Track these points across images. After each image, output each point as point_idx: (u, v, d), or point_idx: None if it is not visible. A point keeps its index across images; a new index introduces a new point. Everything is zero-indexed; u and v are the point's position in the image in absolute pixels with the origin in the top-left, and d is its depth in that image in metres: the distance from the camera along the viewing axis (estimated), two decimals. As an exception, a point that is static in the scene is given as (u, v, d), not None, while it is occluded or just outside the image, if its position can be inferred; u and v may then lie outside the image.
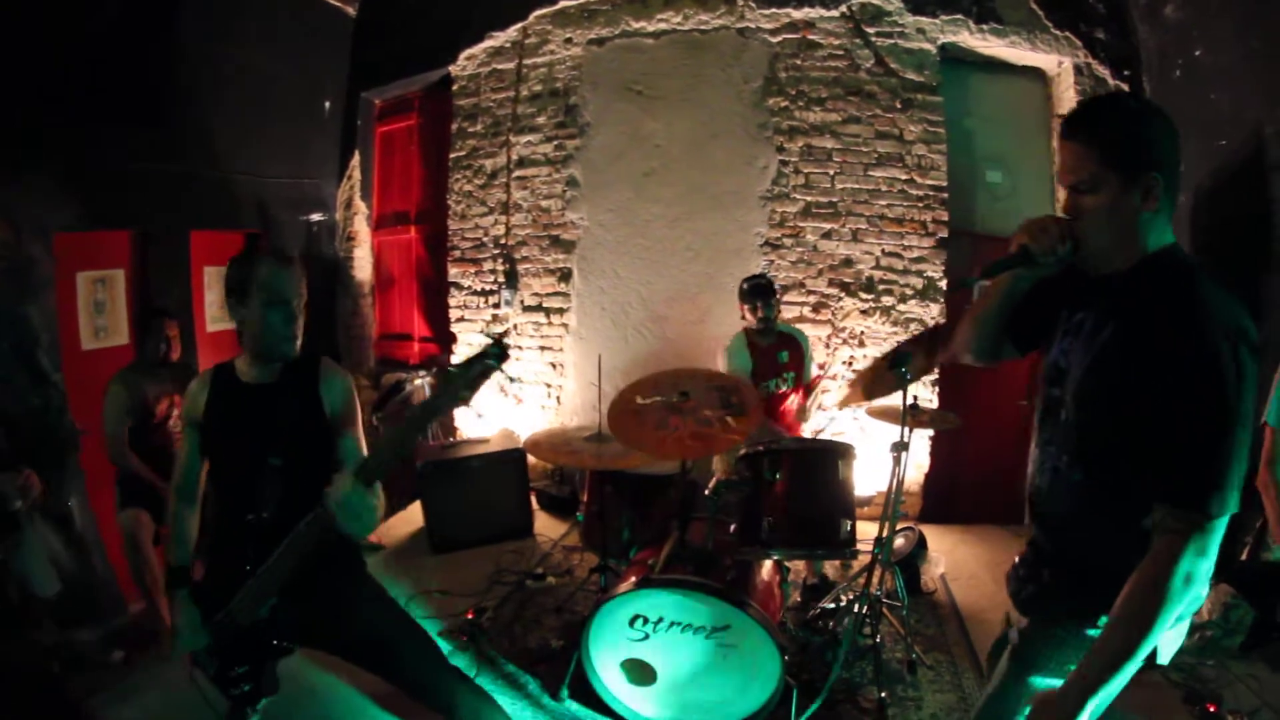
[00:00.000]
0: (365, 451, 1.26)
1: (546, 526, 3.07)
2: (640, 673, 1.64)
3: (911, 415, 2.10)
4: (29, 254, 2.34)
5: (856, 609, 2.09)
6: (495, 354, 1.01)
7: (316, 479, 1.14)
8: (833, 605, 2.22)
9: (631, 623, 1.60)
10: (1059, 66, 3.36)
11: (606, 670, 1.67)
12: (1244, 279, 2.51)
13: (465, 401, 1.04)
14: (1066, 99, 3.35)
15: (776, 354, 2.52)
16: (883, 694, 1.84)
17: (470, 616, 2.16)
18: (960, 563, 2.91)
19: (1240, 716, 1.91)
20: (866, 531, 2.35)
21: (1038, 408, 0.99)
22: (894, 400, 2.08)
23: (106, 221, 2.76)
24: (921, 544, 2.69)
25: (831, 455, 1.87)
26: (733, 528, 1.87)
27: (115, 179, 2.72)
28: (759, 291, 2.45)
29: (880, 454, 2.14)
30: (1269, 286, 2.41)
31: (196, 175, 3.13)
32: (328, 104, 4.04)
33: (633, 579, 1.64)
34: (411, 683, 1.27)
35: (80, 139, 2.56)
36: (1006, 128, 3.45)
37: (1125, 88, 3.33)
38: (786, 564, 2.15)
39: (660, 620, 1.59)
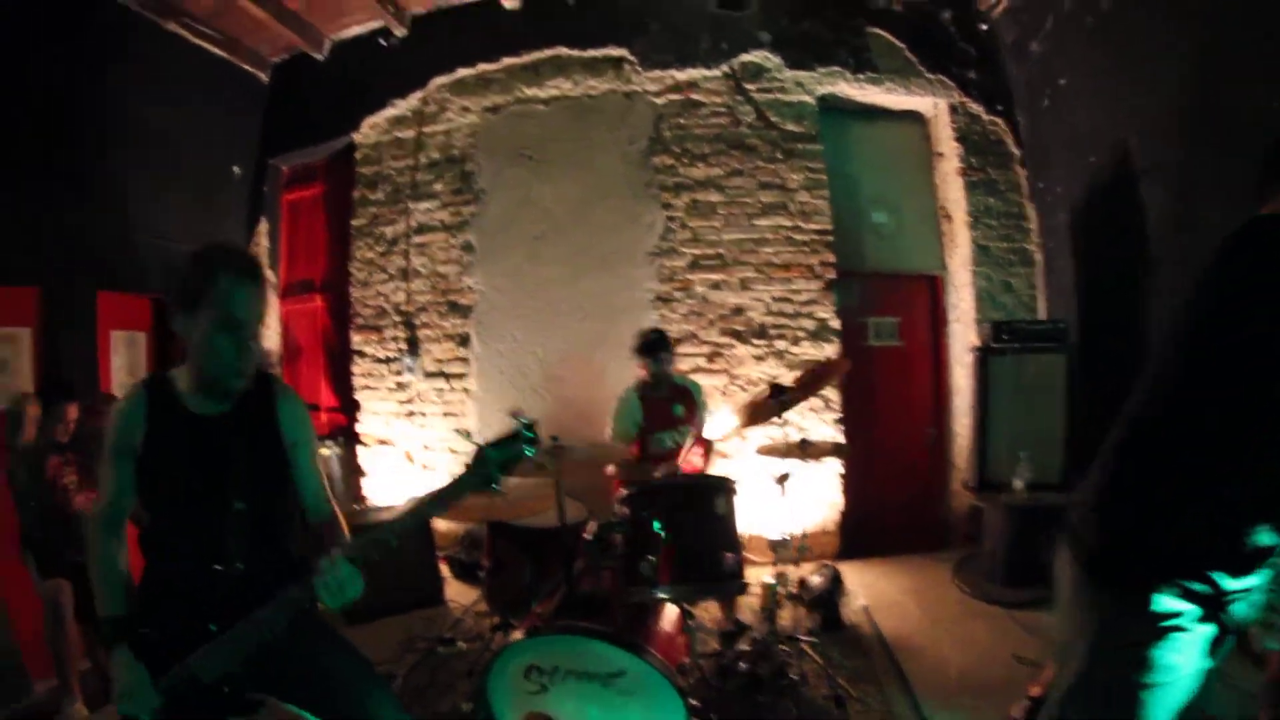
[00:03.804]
0: (323, 483, 1.23)
1: (459, 594, 3.14)
2: None
3: (802, 449, 2.28)
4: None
5: (774, 648, 2.16)
6: (529, 438, 0.99)
7: (282, 521, 1.11)
8: (748, 647, 2.29)
9: (527, 674, 1.63)
10: (935, 108, 3.76)
11: (514, 725, 1.69)
12: (1125, 282, 2.81)
13: (496, 484, 1.01)
14: (944, 137, 3.74)
15: (670, 407, 2.65)
16: (809, 731, 1.89)
17: (382, 684, 2.23)
18: (883, 594, 3.05)
19: None
20: (780, 574, 2.45)
21: None
22: (780, 435, 2.26)
23: (12, 277, 2.82)
24: (837, 580, 2.82)
25: (709, 490, 1.95)
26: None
27: (23, 234, 2.80)
28: (649, 347, 2.61)
29: (791, 496, 2.27)
30: (1148, 285, 2.69)
31: (105, 235, 3.22)
32: (237, 169, 4.25)
33: (525, 629, 1.69)
34: None
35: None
36: (889, 170, 3.81)
37: (999, 122, 3.74)
38: (691, 609, 2.20)
39: (555, 669, 1.62)
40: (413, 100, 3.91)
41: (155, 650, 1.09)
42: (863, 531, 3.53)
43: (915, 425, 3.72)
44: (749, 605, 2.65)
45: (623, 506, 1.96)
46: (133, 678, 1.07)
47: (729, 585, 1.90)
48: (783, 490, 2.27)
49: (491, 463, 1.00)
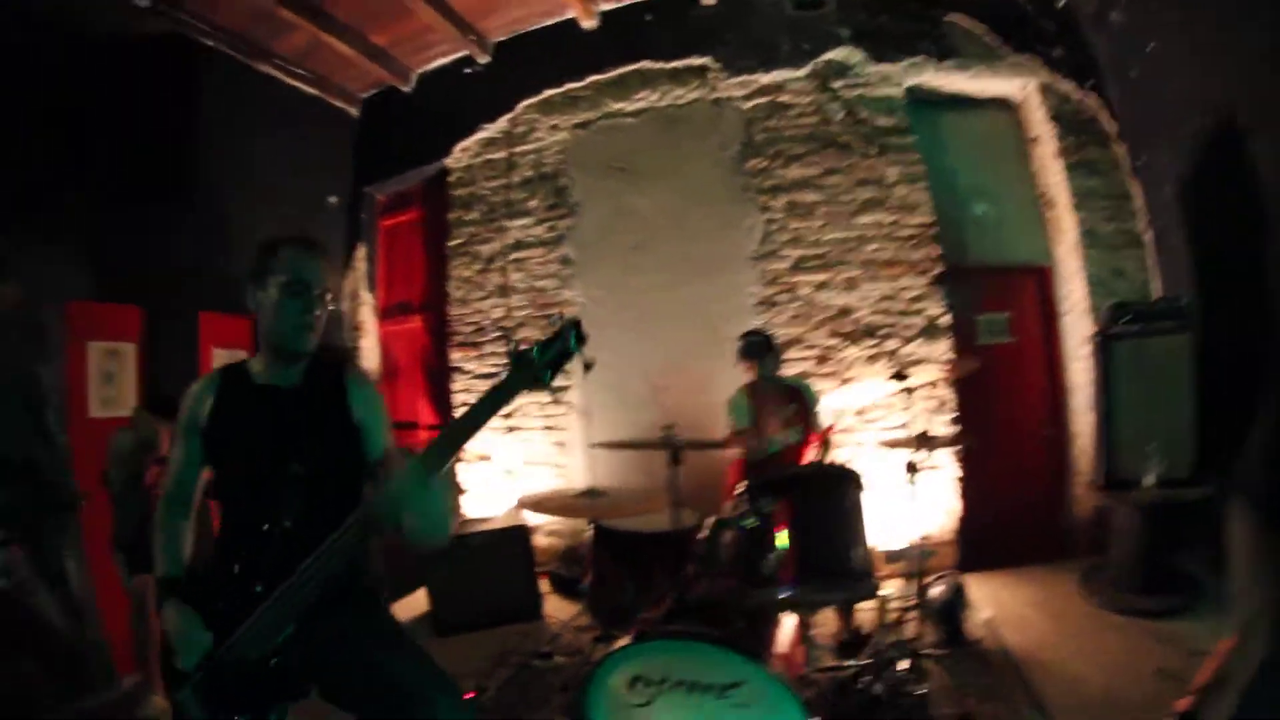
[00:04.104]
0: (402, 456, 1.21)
1: (558, 609, 3.11)
2: None
3: (924, 442, 2.23)
4: (41, 318, 2.59)
5: (895, 663, 2.05)
6: (576, 336, 0.99)
7: (345, 491, 1.10)
8: (870, 660, 2.14)
9: (632, 686, 1.48)
10: (1024, 90, 3.60)
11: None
12: (1244, 249, 2.60)
13: (544, 385, 0.99)
14: (1037, 120, 3.58)
15: (780, 409, 2.64)
16: (941, 755, 1.76)
17: (471, 696, 2.15)
18: (1006, 606, 2.90)
19: None
20: (901, 585, 2.40)
21: None
22: (902, 432, 2.22)
23: (119, 295, 3.00)
24: (959, 591, 2.70)
25: (834, 481, 1.85)
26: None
27: (130, 256, 2.99)
28: (751, 349, 2.63)
29: (914, 494, 2.22)
30: (1270, 250, 2.45)
31: (208, 260, 3.40)
32: (333, 199, 4.47)
33: (630, 637, 1.59)
34: None
35: (99, 214, 2.89)
36: (984, 160, 3.68)
37: (1091, 99, 3.55)
38: (809, 620, 2.13)
39: (663, 680, 1.46)
40: (501, 123, 4.06)
41: (207, 601, 1.13)
42: (982, 540, 3.37)
43: (1031, 427, 3.54)
44: (866, 619, 2.54)
45: (742, 500, 1.88)
46: (183, 622, 1.11)
47: (859, 585, 1.79)
48: (911, 482, 2.20)
49: (538, 364, 0.99)
